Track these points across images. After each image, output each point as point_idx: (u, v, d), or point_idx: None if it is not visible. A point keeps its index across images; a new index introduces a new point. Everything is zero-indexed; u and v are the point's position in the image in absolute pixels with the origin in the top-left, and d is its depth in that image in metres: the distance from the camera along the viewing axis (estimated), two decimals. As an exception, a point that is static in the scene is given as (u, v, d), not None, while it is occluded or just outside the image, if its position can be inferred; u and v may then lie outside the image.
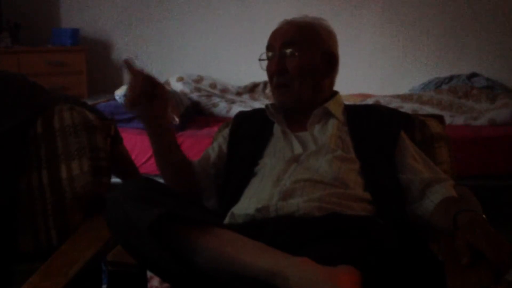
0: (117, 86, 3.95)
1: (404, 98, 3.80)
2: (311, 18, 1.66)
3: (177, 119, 3.46)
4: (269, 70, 1.62)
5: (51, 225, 1.61)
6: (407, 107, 3.54)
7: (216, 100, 3.97)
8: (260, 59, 1.67)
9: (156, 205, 1.14)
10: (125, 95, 1.41)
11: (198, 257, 1.13)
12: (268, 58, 1.64)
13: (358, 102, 3.64)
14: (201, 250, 1.13)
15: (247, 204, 1.42)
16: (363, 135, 1.56)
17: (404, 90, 4.22)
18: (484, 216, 1.29)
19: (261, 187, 1.46)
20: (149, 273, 1.36)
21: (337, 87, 1.74)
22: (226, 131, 1.73)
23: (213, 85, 4.13)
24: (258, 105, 3.75)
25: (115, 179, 1.80)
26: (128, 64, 1.37)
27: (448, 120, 3.20)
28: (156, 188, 1.25)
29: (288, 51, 1.58)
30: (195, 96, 3.96)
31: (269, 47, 1.64)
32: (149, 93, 1.39)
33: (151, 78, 1.40)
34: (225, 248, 1.12)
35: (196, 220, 1.16)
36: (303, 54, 1.58)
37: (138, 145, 3.31)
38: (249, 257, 1.09)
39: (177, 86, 4.00)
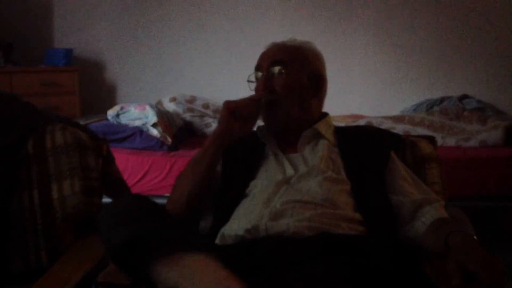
0: (110, 106, 3.94)
1: (396, 119, 3.82)
2: (299, 41, 1.70)
3: (169, 139, 3.47)
4: (257, 90, 1.64)
5: (41, 246, 1.60)
6: (399, 128, 3.56)
7: (208, 120, 3.97)
8: (248, 81, 1.68)
9: (129, 228, 1.13)
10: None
11: (159, 285, 1.10)
12: (257, 79, 1.66)
13: (350, 123, 3.65)
14: (161, 278, 1.09)
15: (237, 225, 1.42)
16: (353, 156, 1.56)
17: (395, 111, 4.25)
18: (475, 237, 1.29)
19: (250, 207, 1.46)
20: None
21: (329, 108, 1.75)
22: None
23: (206, 106, 4.13)
24: (250, 125, 3.75)
25: (106, 199, 1.79)
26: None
27: (439, 141, 3.22)
28: (143, 207, 1.23)
29: (276, 69, 1.61)
30: (188, 116, 3.96)
31: (257, 68, 1.66)
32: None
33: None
34: (182, 281, 1.07)
35: (161, 248, 1.12)
36: (290, 73, 1.61)
37: (130, 165, 3.30)
38: None
39: (170, 106, 4.00)
